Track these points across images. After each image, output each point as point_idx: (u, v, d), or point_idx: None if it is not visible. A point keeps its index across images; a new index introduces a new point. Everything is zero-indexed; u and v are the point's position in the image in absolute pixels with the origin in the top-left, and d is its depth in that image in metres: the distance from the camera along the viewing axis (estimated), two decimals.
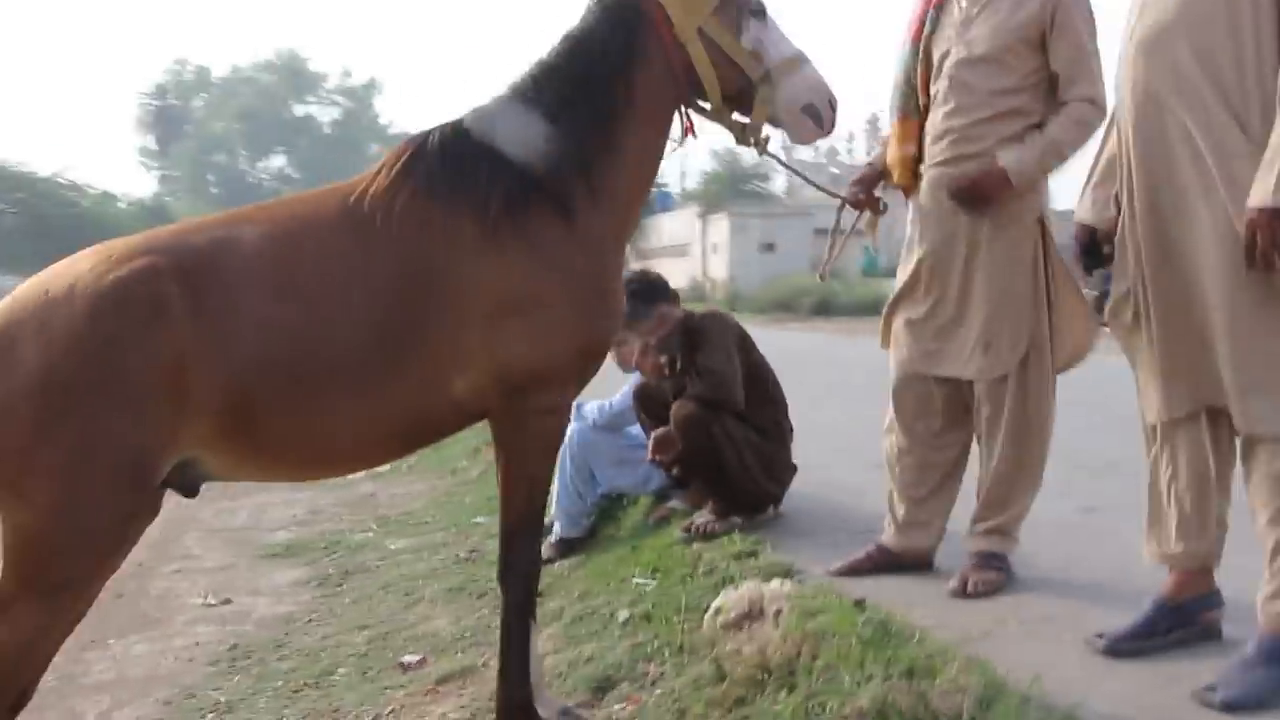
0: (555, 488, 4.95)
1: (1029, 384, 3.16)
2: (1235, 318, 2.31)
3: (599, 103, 2.67)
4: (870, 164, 3.46)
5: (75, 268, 2.32)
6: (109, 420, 2.21)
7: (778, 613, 3.34)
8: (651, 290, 4.26)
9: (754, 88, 2.75)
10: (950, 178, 3.11)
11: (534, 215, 2.59)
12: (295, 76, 71.65)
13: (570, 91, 2.66)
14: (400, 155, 2.64)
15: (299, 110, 72.48)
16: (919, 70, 3.22)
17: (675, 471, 4.42)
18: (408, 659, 4.09)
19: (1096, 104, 3.02)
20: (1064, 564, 3.53)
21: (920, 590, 3.30)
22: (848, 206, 3.43)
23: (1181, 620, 2.64)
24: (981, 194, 3.07)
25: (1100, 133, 2.78)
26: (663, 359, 4.27)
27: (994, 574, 3.21)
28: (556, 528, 4.87)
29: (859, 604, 3.08)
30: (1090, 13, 3.06)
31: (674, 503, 4.66)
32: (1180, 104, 2.34)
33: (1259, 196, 2.19)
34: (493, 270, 2.54)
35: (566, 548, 4.83)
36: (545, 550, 4.85)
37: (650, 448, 4.30)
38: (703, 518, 4.26)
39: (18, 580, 2.23)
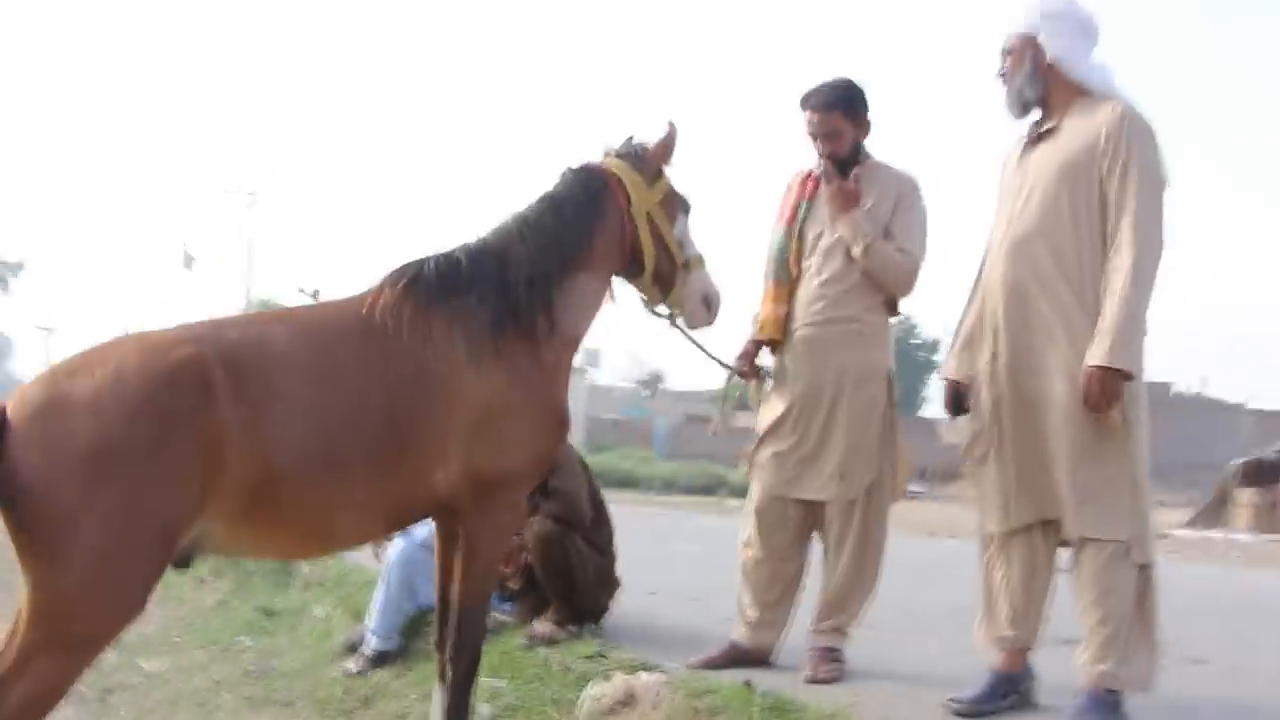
0: (373, 602, 5.07)
1: (871, 508, 3.93)
2: (1075, 447, 3.19)
3: (565, 253, 3.19)
4: (752, 340, 4.15)
5: (121, 349, 2.53)
6: (151, 490, 2.39)
7: (657, 697, 3.79)
8: None
9: (675, 272, 3.39)
10: (824, 338, 3.91)
11: (510, 340, 3.06)
12: None
13: (544, 241, 3.18)
14: (402, 276, 3.03)
15: None
16: (793, 247, 4.01)
17: (511, 584, 4.75)
18: None
19: (909, 254, 3.93)
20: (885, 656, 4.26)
21: (776, 679, 3.85)
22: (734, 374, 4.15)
23: (1012, 688, 3.42)
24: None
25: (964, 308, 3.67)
26: None
27: (838, 665, 3.86)
28: (372, 640, 4.95)
29: (747, 684, 3.60)
30: (923, 210, 4.01)
31: (503, 614, 4.94)
32: (1039, 291, 3.27)
33: (1093, 357, 3.10)
34: (477, 383, 2.97)
35: (380, 660, 4.92)
36: (356, 663, 4.94)
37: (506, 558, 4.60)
38: (543, 625, 4.59)
39: (45, 635, 2.33)
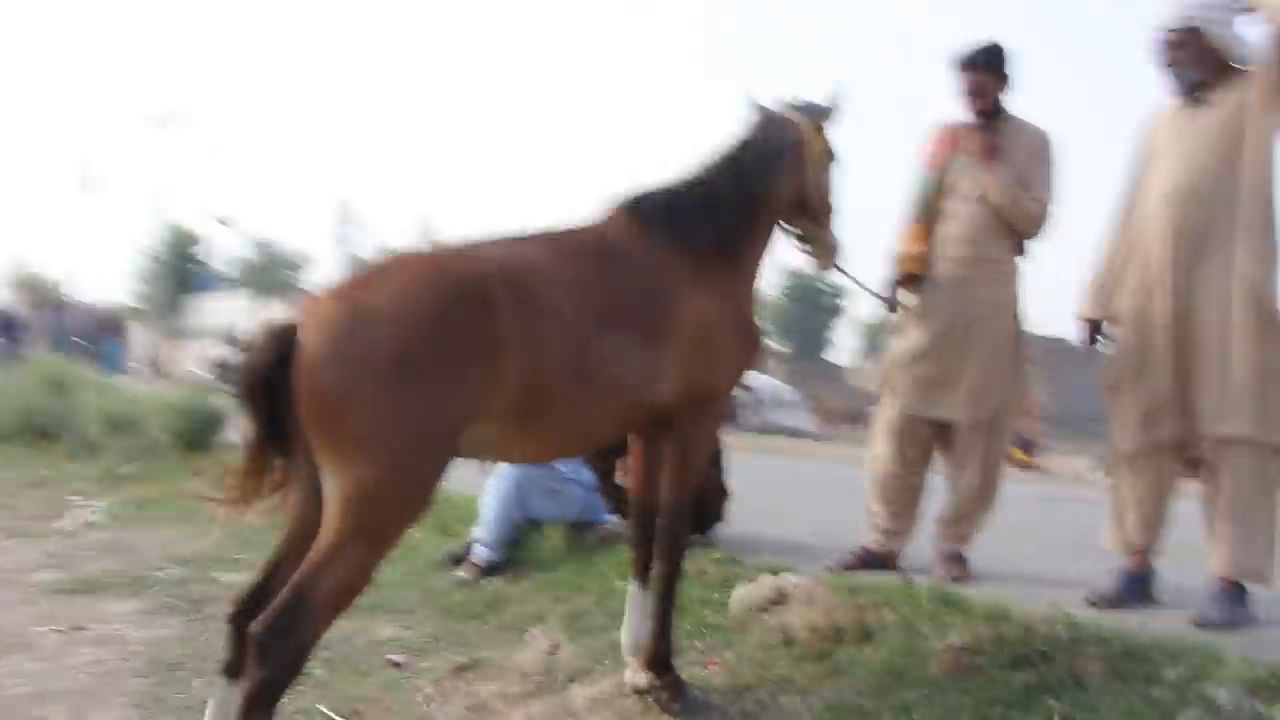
0: (483, 514, 5.34)
1: (996, 429, 4.39)
2: (1243, 362, 3.66)
3: (760, 190, 3.58)
4: (902, 274, 4.55)
5: (406, 269, 2.78)
6: (443, 393, 2.65)
7: (811, 595, 4.20)
8: None
9: (826, 216, 3.78)
10: (970, 276, 4.34)
11: (720, 266, 3.44)
12: None
13: (746, 180, 3.55)
14: (632, 204, 3.39)
15: None
16: (937, 192, 4.43)
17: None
18: (395, 658, 4.29)
19: (1041, 202, 4.39)
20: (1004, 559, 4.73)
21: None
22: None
23: (1140, 586, 3.93)
24: None
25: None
26: None
27: (966, 566, 4.33)
28: (483, 551, 5.22)
29: (907, 580, 4.04)
30: (1054, 162, 4.45)
31: (613, 526, 5.26)
32: (1208, 233, 3.73)
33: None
34: (697, 303, 3.32)
35: (491, 570, 5.20)
36: (469, 571, 5.21)
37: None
38: None
39: (353, 528, 2.55)
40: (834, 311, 45.24)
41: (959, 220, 4.39)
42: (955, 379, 4.37)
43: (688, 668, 3.88)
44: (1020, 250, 4.45)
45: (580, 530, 5.40)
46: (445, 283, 2.70)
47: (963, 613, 3.76)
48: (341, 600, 2.55)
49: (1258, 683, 3.01)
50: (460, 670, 4.10)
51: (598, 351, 3.05)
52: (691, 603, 4.37)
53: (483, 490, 5.46)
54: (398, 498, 2.61)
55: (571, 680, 3.84)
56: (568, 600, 4.67)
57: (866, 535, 4.58)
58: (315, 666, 3.98)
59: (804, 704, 3.52)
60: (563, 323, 2.93)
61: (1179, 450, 3.86)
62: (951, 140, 4.46)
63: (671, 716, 3.47)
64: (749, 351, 3.57)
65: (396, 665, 4.22)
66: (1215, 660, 3.17)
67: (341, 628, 4.79)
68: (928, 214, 4.45)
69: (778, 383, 33.93)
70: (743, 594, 4.27)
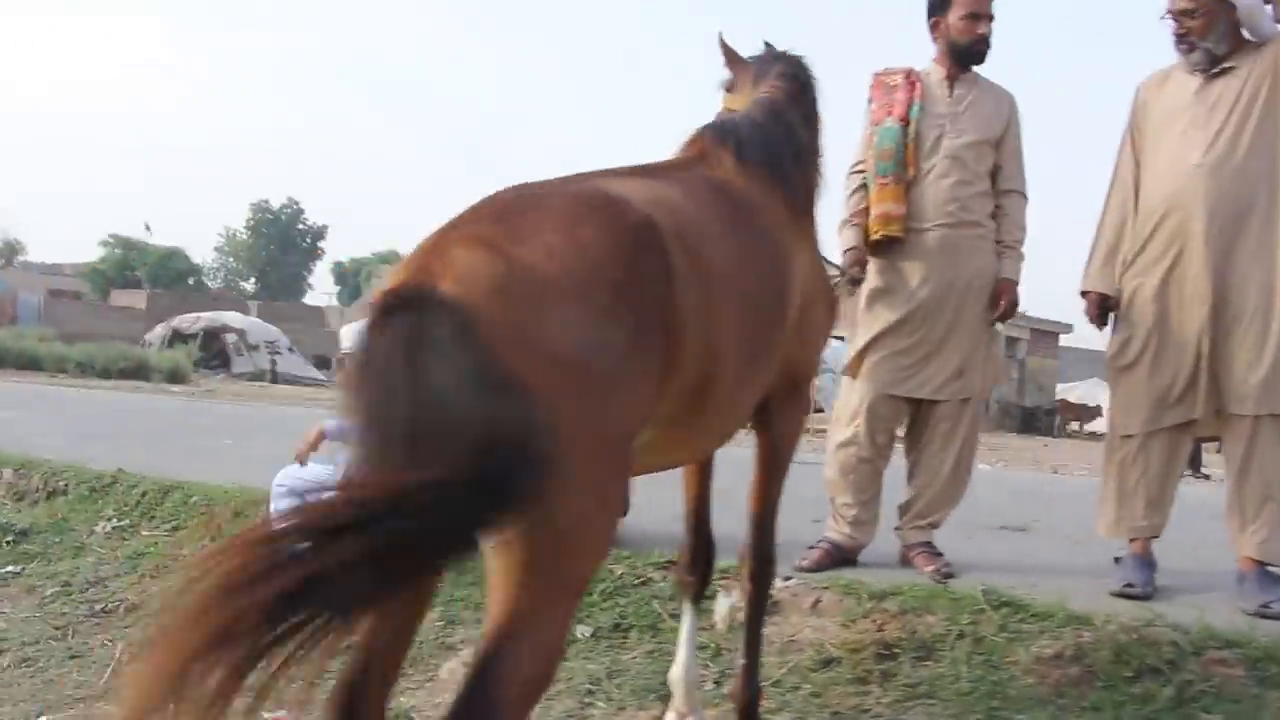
0: None
1: (973, 409, 3.97)
2: (1263, 337, 3.52)
3: (818, 135, 3.01)
4: (855, 247, 3.95)
5: (558, 204, 1.76)
6: (628, 393, 1.68)
7: (812, 605, 3.52)
8: None
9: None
10: (957, 241, 3.87)
11: (805, 217, 2.83)
12: None
13: (811, 120, 2.99)
14: (728, 136, 2.63)
15: None
16: (910, 146, 3.90)
17: None
18: None
19: (1025, 197, 4.05)
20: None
21: (906, 576, 3.72)
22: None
23: (1152, 573, 3.70)
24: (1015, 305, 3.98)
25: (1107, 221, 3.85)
26: None
27: (944, 559, 3.86)
28: None
29: (946, 577, 3.49)
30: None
31: None
32: (1246, 207, 3.53)
33: None
34: (801, 258, 2.63)
35: None
36: None
37: None
38: None
39: (544, 583, 1.60)
40: (311, 254, 43.59)
41: (948, 179, 3.90)
42: (940, 353, 3.88)
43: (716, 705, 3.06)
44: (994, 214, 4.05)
45: None
46: (620, 236, 1.74)
47: (1036, 617, 3.29)
48: (539, 688, 1.64)
49: None
50: None
51: (753, 326, 2.20)
52: (650, 618, 3.52)
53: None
54: (595, 540, 1.71)
55: None
56: None
57: (832, 528, 3.95)
58: None
59: None
60: (725, 286, 2.03)
61: (1190, 429, 3.68)
62: (914, 89, 3.97)
63: None
64: (832, 321, 2.84)
65: None
66: None
67: None
68: (903, 171, 3.91)
69: (273, 328, 32.25)
70: (727, 604, 3.48)
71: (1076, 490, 7.54)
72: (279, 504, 3.69)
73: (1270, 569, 3.56)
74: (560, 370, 1.54)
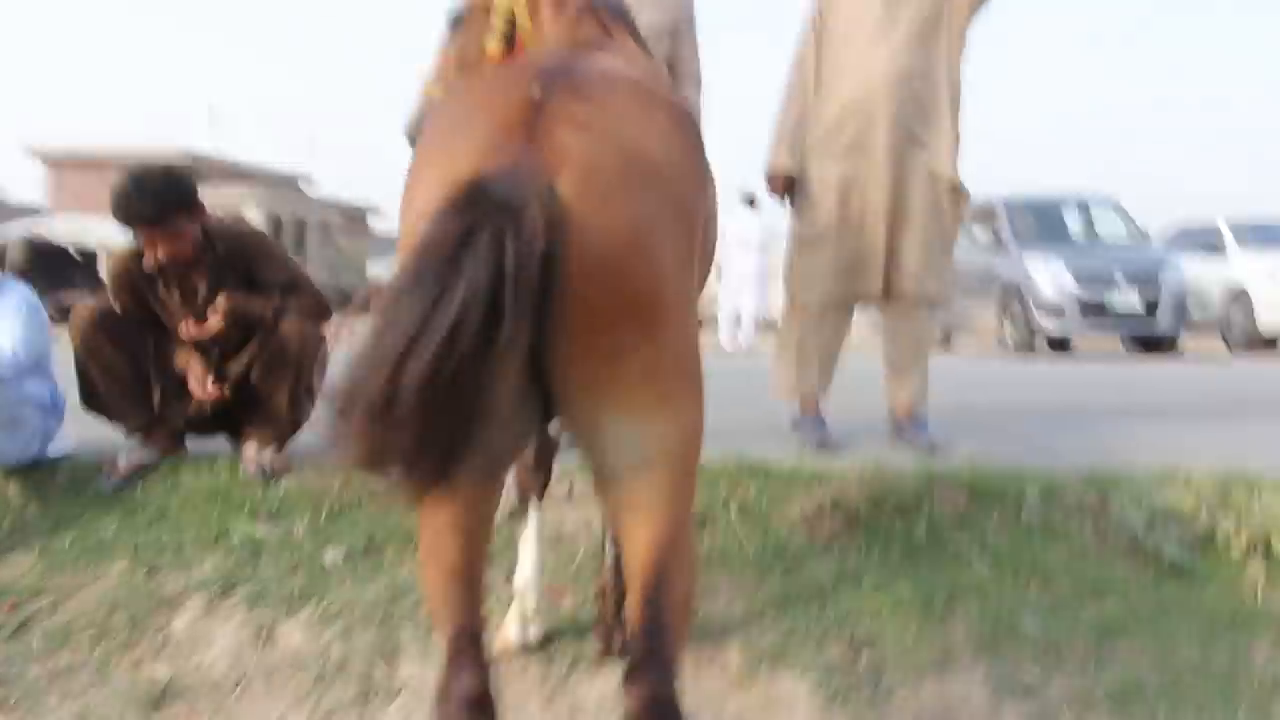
0: None
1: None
2: (927, 231, 3.92)
3: None
4: None
5: (625, 78, 1.77)
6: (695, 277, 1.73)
7: (570, 490, 3.33)
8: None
9: None
10: None
11: None
12: None
13: None
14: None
15: None
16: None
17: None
18: None
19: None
20: None
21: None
22: None
23: (825, 427, 4.02)
24: None
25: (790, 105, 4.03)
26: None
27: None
28: None
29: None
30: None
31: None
32: (914, 120, 3.89)
33: (951, 169, 3.95)
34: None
35: None
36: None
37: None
38: (264, 453, 3.25)
39: (687, 501, 1.60)
40: None
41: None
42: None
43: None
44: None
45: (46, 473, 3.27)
46: (688, 113, 1.84)
47: (779, 478, 3.41)
48: (690, 606, 1.63)
49: (1103, 483, 3.42)
50: None
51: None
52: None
53: None
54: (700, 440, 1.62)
55: None
56: None
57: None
58: None
59: None
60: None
61: (854, 304, 4.04)
62: None
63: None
64: None
65: None
66: (1052, 478, 3.40)
67: None
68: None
69: None
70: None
71: None
72: None
73: (917, 414, 4.07)
74: (666, 250, 1.49)
